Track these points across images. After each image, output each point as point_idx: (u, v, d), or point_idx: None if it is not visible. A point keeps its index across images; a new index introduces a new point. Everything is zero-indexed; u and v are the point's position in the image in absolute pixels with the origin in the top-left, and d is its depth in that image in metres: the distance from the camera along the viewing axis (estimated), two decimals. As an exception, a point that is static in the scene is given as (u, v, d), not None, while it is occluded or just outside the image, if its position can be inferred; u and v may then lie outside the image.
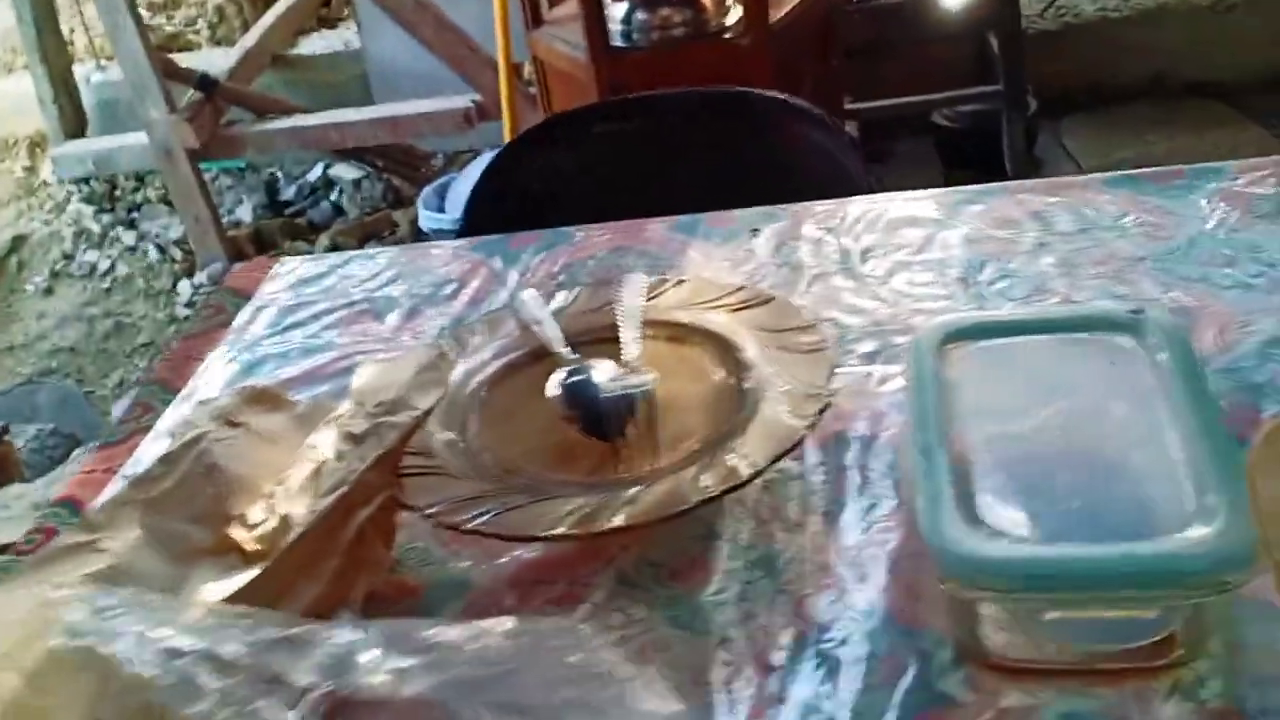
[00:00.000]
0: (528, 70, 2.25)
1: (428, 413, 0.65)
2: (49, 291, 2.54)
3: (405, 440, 0.63)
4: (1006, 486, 0.55)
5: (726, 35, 1.86)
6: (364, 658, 0.42)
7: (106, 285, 2.52)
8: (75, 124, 3.11)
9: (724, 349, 0.72)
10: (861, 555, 0.60)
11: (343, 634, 0.42)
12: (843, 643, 0.56)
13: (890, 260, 0.84)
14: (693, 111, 1.19)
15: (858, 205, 0.91)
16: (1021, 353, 0.63)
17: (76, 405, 1.91)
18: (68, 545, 0.59)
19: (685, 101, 1.20)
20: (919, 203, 0.90)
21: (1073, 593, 0.52)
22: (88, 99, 3.12)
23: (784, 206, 0.92)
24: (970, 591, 0.52)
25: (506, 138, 2.24)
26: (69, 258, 2.65)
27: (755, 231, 0.90)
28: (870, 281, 0.82)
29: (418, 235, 2.49)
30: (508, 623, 0.45)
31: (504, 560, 0.64)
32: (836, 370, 0.69)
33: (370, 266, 0.95)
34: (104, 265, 2.60)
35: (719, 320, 0.75)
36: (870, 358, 0.74)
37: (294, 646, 0.41)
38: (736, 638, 0.57)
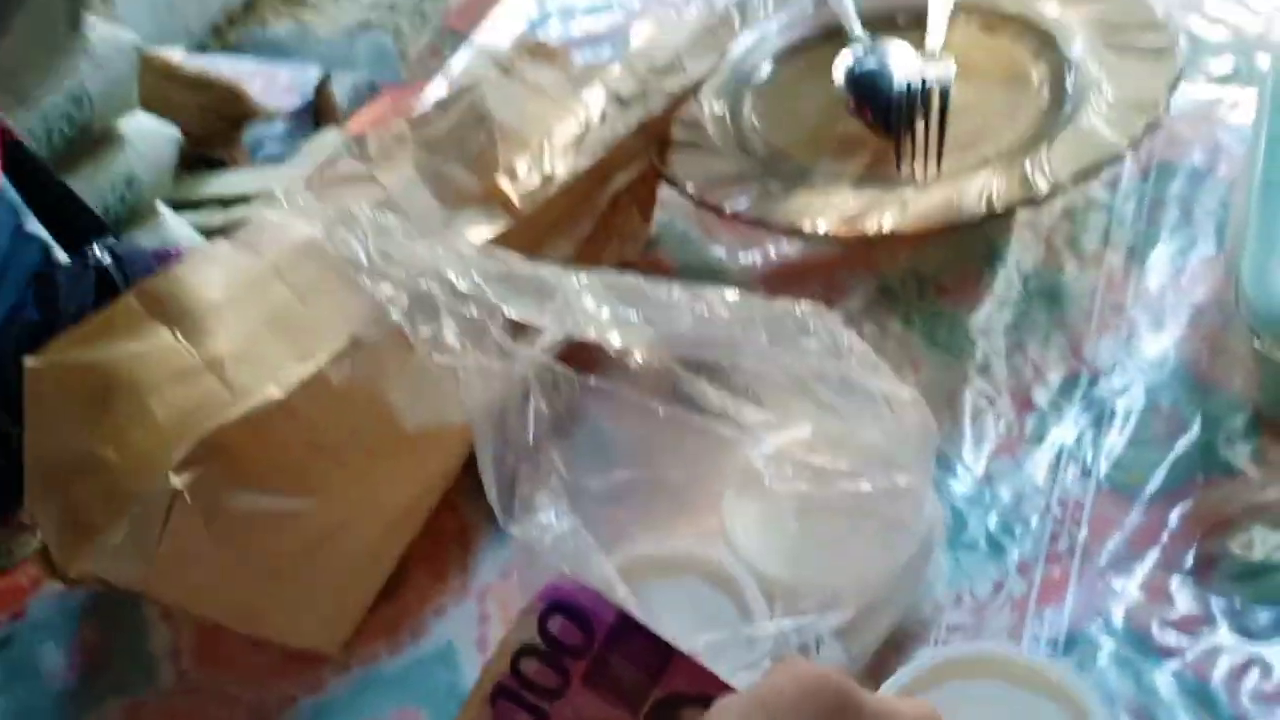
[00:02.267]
0: None
1: (700, 81, 0.60)
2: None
3: (673, 109, 0.59)
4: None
5: None
6: (587, 302, 0.40)
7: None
8: None
9: (1045, 43, 0.63)
10: (1163, 300, 0.53)
11: (570, 280, 0.41)
12: (1120, 391, 0.50)
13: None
14: None
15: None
16: None
17: (389, 60, 1.96)
18: (345, 174, 0.60)
19: None
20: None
21: None
22: None
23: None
24: (1287, 355, 0.45)
25: None
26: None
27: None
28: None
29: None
30: (731, 294, 0.42)
31: (760, 253, 0.60)
32: (1180, 84, 0.59)
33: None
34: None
35: (1047, 10, 0.65)
36: (1224, 79, 0.63)
37: (529, 286, 0.41)
38: (998, 368, 0.52)
